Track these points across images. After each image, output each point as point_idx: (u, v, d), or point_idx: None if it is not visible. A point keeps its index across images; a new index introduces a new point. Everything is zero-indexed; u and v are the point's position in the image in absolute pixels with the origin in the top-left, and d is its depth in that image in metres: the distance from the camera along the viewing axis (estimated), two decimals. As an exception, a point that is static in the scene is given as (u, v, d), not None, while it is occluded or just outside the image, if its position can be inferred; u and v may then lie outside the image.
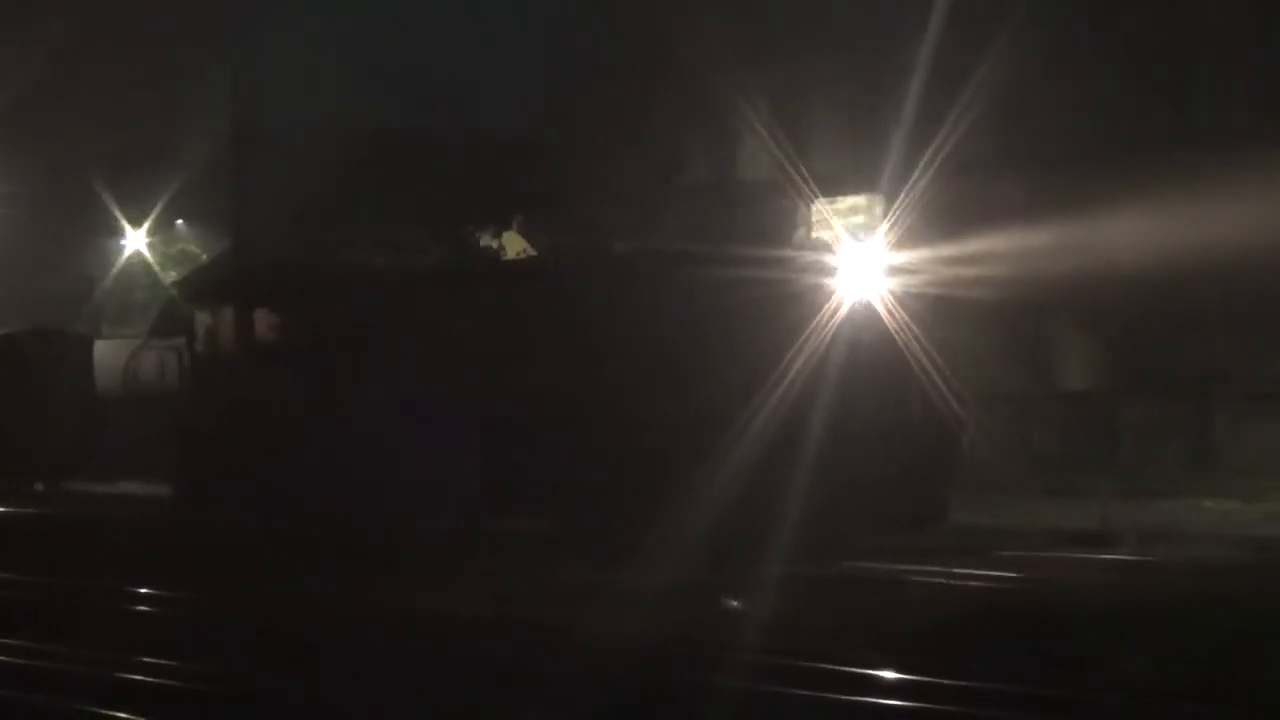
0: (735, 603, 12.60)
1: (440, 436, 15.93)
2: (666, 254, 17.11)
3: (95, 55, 36.90)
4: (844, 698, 9.32)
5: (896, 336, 15.05)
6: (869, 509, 14.78)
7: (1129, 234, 21.63)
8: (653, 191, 29.16)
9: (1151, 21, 24.58)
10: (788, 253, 16.51)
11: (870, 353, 15.04)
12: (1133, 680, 9.77)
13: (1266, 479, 19.93)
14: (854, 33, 26.07)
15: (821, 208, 26.80)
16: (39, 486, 26.91)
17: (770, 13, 27.71)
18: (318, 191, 29.82)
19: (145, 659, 10.63)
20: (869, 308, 15.27)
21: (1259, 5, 24.00)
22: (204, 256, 36.10)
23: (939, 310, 15.75)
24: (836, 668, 9.89)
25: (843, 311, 14.93)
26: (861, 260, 16.25)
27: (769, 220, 27.12)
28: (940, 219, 20.93)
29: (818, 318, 14.78)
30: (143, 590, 13.96)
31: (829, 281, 15.31)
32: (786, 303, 14.92)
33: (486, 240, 28.27)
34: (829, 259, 15.99)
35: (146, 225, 36.91)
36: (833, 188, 25.71)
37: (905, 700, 9.21)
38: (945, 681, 9.48)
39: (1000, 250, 20.47)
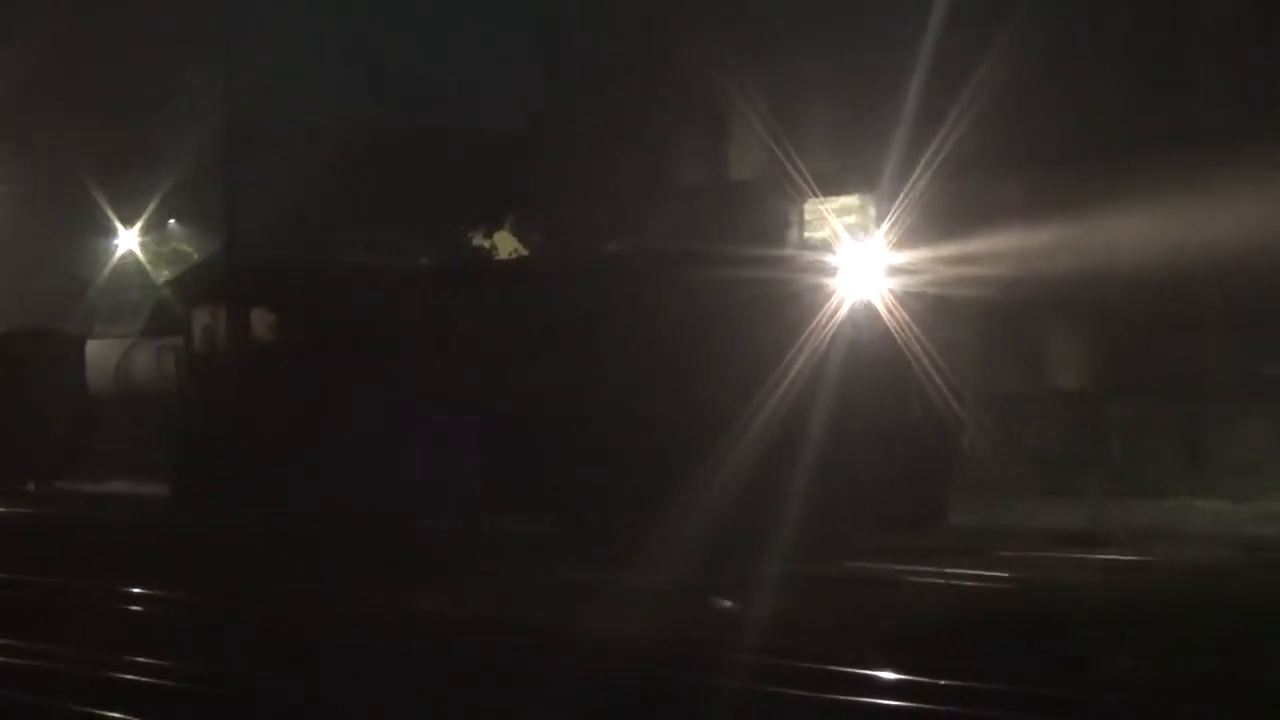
0: (727, 603, 12.59)
1: (440, 436, 15.92)
2: (666, 254, 17.12)
3: (87, 55, 36.87)
4: (844, 698, 9.30)
5: (896, 336, 15.06)
6: (869, 509, 14.78)
7: (1127, 234, 21.65)
8: (644, 191, 29.15)
9: (1150, 22, 24.61)
10: (788, 252, 16.53)
11: (870, 352, 15.04)
12: (1132, 680, 9.77)
13: (1257, 479, 20.01)
14: (850, 33, 26.08)
15: (814, 208, 26.82)
16: (30, 486, 26.86)
17: (765, 12, 27.72)
18: (310, 191, 29.80)
19: (145, 659, 10.59)
20: (869, 307, 15.27)
21: (1257, 5, 24.05)
22: (196, 256, 36.08)
23: (939, 310, 15.76)
24: (837, 668, 9.87)
25: (843, 311, 14.93)
26: (861, 260, 16.25)
27: (761, 220, 27.13)
28: (939, 219, 20.95)
29: (818, 318, 14.78)
30: (142, 590, 13.92)
31: (829, 281, 15.32)
32: (786, 302, 14.93)
33: (479, 240, 28.26)
34: (829, 259, 16.00)
35: (139, 225, 36.86)
36: (825, 188, 25.71)
37: (906, 701, 9.20)
38: (946, 683, 9.48)
39: (999, 250, 20.48)
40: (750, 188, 28.33)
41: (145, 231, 37.12)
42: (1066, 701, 9.12)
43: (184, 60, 35.81)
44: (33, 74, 34.90)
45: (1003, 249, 20.61)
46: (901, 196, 20.76)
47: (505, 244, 29.35)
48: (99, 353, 29.04)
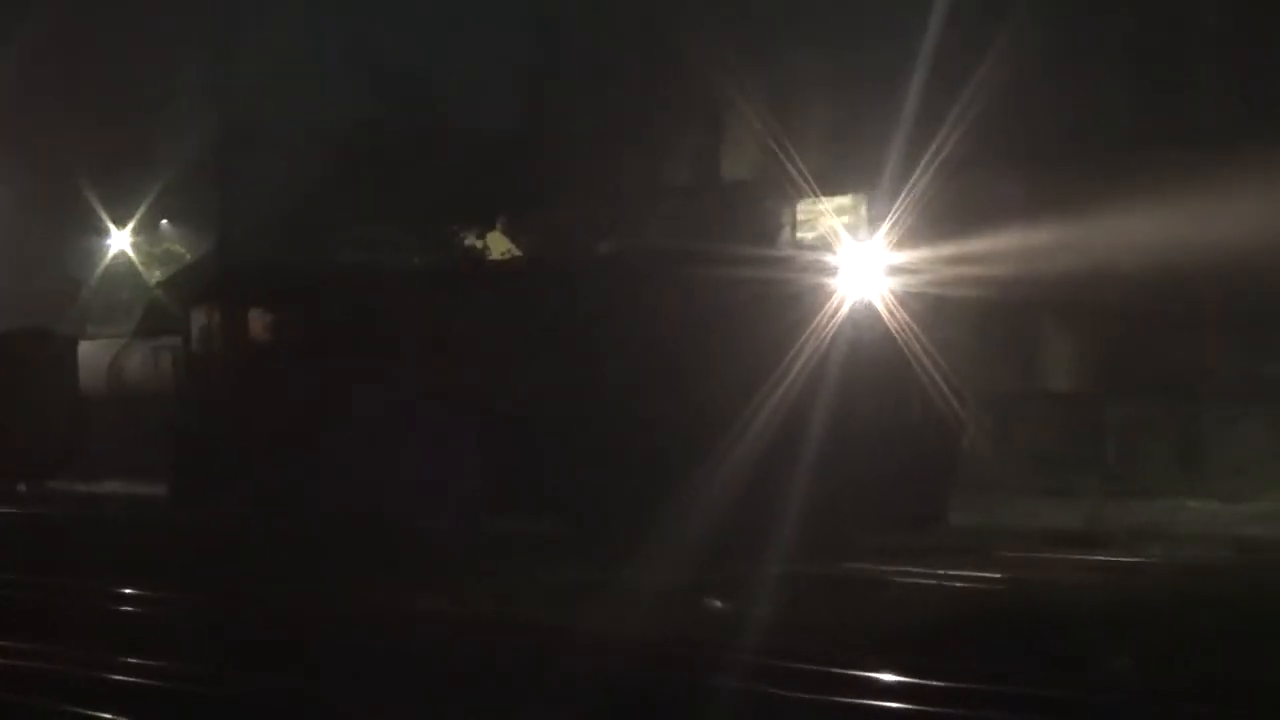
0: (718, 603, 12.57)
1: (440, 436, 15.90)
2: (666, 253, 17.10)
3: (80, 55, 36.80)
4: (844, 700, 9.28)
5: (897, 336, 15.05)
6: (869, 508, 14.78)
7: (1126, 233, 21.65)
8: (637, 192, 29.14)
9: (1150, 22, 24.63)
10: (788, 252, 16.53)
11: (870, 352, 15.04)
12: (1132, 680, 9.77)
13: (1256, 479, 20.04)
14: (849, 32, 26.08)
15: (807, 208, 26.82)
16: (22, 487, 26.78)
17: (764, 12, 27.72)
18: (306, 191, 29.76)
19: (145, 660, 10.56)
20: (869, 307, 15.27)
21: (1256, 5, 24.08)
22: (188, 256, 36.05)
23: (939, 310, 15.76)
24: (836, 670, 9.85)
25: (843, 311, 14.93)
26: (861, 260, 16.25)
27: (757, 220, 27.12)
28: (939, 218, 20.94)
29: (818, 318, 14.77)
30: (142, 591, 13.88)
31: (829, 281, 15.31)
32: (787, 302, 14.92)
33: (471, 240, 28.22)
34: (829, 258, 16.00)
35: (131, 225, 36.80)
36: (821, 188, 25.69)
37: (906, 703, 9.18)
38: (945, 684, 9.46)
39: (999, 250, 20.47)
40: (747, 188, 28.32)
41: (137, 232, 37.06)
42: (1066, 702, 9.11)
43: (178, 61, 35.80)
44: (24, 74, 34.84)
45: (1002, 249, 20.61)
46: (902, 196, 20.76)
47: (498, 245, 29.29)
48: (91, 353, 29.00)
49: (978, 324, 20.15)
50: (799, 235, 27.45)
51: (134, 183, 35.64)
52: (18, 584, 14.62)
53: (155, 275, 35.74)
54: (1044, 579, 13.91)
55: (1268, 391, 22.27)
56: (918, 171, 21.65)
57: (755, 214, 27.43)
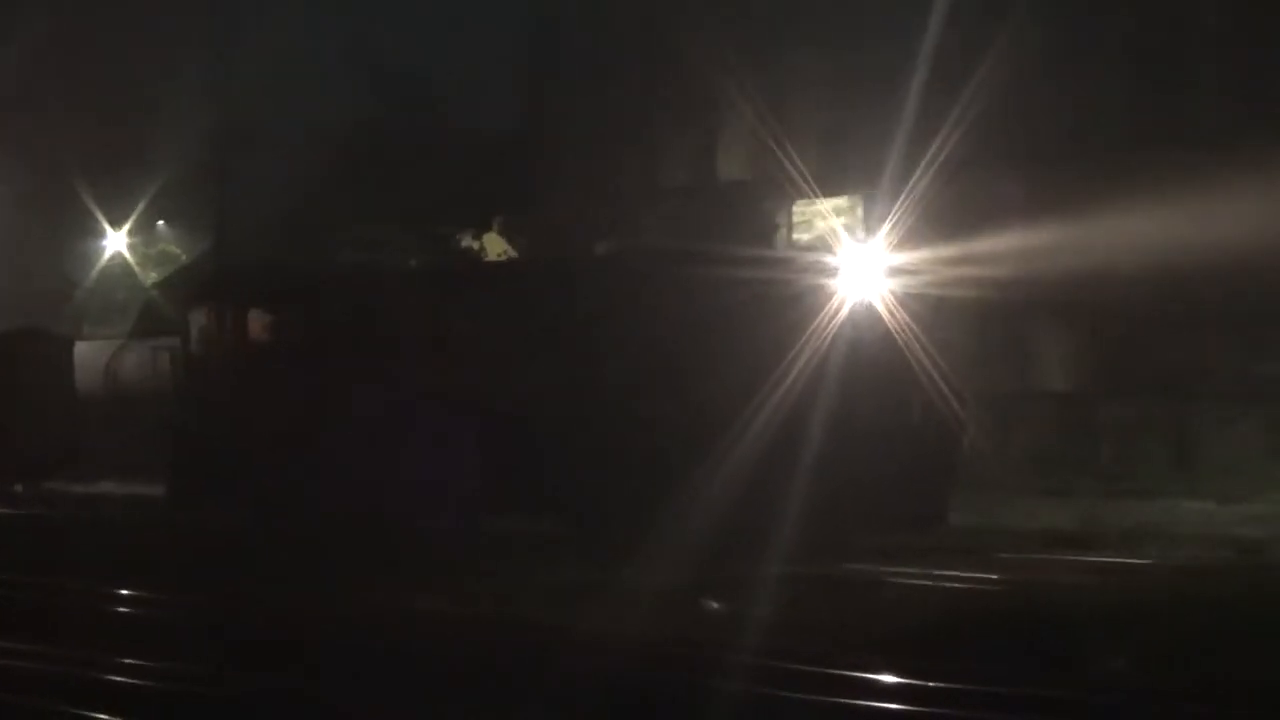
0: (714, 604, 12.57)
1: (440, 436, 15.88)
2: (666, 253, 17.09)
3: (76, 55, 36.77)
4: (844, 700, 9.27)
5: (897, 336, 15.05)
6: (870, 509, 14.77)
7: (1126, 233, 21.68)
8: (636, 192, 29.15)
9: (1150, 22, 24.66)
10: (788, 253, 16.53)
11: (870, 353, 15.03)
12: (1132, 681, 9.76)
13: (1254, 480, 20.06)
14: (849, 32, 26.10)
15: (803, 208, 26.84)
16: (18, 488, 26.75)
17: (764, 12, 27.73)
18: (304, 191, 29.77)
19: (144, 660, 10.54)
20: (869, 308, 15.27)
21: (1256, 5, 24.11)
22: (184, 257, 36.05)
23: (939, 310, 15.76)
24: (837, 670, 9.84)
25: (843, 311, 14.92)
26: (861, 260, 16.24)
27: (752, 220, 27.14)
28: (939, 219, 20.95)
29: (818, 318, 14.77)
30: (141, 591, 13.85)
31: (829, 282, 15.31)
32: (787, 303, 14.91)
33: (467, 241, 28.24)
34: (829, 259, 16.00)
35: (127, 226, 36.79)
36: (818, 188, 25.70)
37: (906, 704, 9.17)
38: (945, 684, 9.45)
39: (999, 250, 20.49)
40: (745, 188, 28.33)
41: (134, 233, 37.06)
42: (1067, 702, 9.11)
43: (177, 60, 35.77)
44: (21, 75, 34.81)
45: (1002, 249, 20.62)
46: (902, 197, 20.76)
47: (494, 246, 29.29)
48: (88, 354, 28.98)
49: (978, 324, 20.18)
50: (795, 236, 27.47)
51: (131, 183, 35.66)
52: (16, 584, 14.56)
53: (151, 276, 35.76)
54: (1044, 579, 13.91)
55: (1266, 392, 22.30)
56: (918, 172, 21.66)
57: (753, 214, 27.44)
